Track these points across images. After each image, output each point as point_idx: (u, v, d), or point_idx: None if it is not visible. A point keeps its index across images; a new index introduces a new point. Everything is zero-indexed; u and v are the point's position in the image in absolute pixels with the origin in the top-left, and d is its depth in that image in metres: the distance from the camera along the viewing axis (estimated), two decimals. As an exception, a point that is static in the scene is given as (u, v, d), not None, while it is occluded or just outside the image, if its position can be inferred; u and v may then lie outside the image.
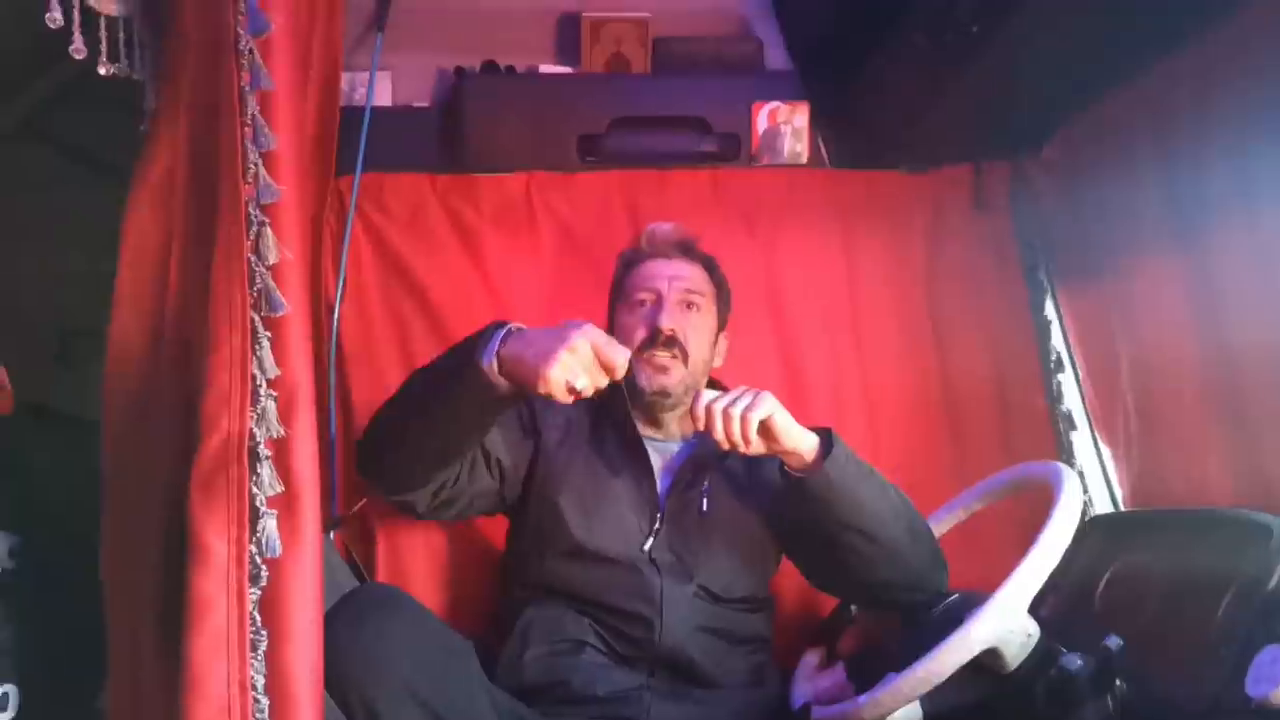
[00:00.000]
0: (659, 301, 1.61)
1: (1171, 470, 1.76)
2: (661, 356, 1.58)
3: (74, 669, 1.30)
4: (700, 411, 1.38)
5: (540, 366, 1.25)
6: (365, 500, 1.78)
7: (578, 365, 1.25)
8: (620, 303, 1.67)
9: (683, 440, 1.67)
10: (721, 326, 1.71)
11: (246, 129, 1.02)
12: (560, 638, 1.49)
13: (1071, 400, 2.08)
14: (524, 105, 2.08)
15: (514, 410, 1.60)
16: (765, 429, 1.37)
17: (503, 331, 1.32)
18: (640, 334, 1.60)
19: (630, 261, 1.70)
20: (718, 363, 1.72)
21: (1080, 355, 2.05)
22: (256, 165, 1.02)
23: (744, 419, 1.35)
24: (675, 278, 1.64)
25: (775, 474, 1.47)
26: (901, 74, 1.85)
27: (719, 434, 1.37)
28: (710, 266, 1.70)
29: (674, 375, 1.59)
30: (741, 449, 1.37)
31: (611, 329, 1.67)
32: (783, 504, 1.52)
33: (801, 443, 1.40)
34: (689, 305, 1.63)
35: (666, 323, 1.58)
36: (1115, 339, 1.88)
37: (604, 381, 1.28)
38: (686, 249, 1.69)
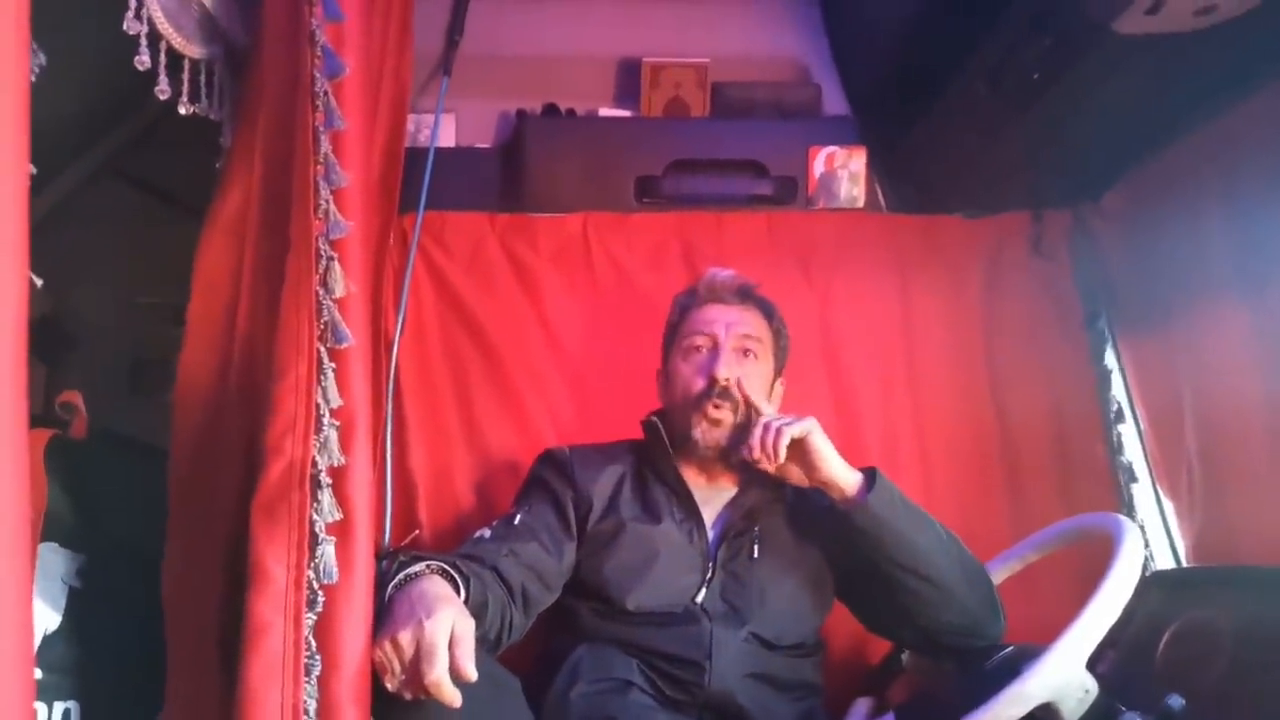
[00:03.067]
0: (715, 349, 1.60)
1: (1236, 525, 1.71)
2: (716, 412, 1.56)
3: (134, 688, 1.32)
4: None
5: (379, 637, 1.11)
6: (418, 532, 1.79)
7: (396, 661, 1.10)
8: (675, 348, 1.66)
9: (734, 488, 1.65)
10: (778, 373, 1.69)
11: (319, 167, 1.05)
12: (608, 676, 1.47)
13: (1133, 452, 2.04)
14: (583, 147, 2.12)
15: (550, 507, 1.57)
16: (801, 449, 1.44)
17: (404, 573, 1.22)
18: (698, 384, 1.58)
19: (686, 306, 1.68)
20: (773, 409, 1.67)
21: (1142, 406, 2.01)
22: (328, 202, 1.05)
23: (778, 430, 1.43)
24: (732, 324, 1.62)
25: (827, 514, 1.48)
26: (961, 120, 1.85)
27: (755, 442, 1.45)
28: (768, 312, 1.68)
29: (729, 428, 1.58)
30: (769, 462, 1.44)
31: (666, 373, 1.68)
32: (836, 543, 1.52)
33: (841, 474, 1.45)
34: (745, 352, 1.61)
35: (723, 372, 1.56)
36: (1178, 389, 1.84)
37: (411, 694, 1.10)
38: (745, 294, 1.66)
